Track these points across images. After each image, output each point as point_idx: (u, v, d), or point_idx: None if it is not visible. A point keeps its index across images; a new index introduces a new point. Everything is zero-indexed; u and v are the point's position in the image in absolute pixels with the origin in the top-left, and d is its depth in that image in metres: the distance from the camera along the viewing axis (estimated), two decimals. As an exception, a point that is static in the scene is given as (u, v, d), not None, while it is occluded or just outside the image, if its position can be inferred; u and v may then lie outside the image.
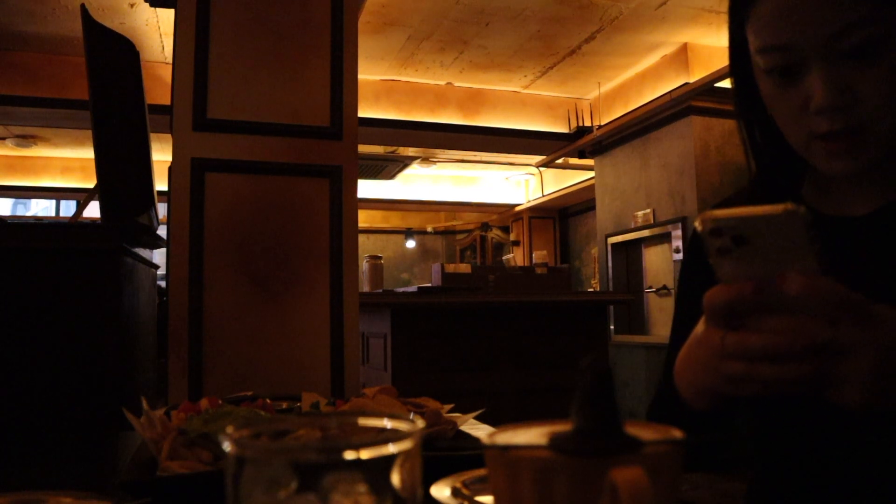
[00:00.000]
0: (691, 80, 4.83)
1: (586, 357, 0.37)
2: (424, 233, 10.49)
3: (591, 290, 7.56)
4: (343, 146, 2.10)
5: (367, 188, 7.79)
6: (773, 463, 0.78)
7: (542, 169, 7.78)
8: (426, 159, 7.24)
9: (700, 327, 0.59)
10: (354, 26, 2.17)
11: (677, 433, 0.36)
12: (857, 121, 0.65)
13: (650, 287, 5.49)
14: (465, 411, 0.92)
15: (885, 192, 0.72)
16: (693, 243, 0.88)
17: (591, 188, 6.51)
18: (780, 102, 0.70)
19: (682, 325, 0.87)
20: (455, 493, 0.51)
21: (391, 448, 0.31)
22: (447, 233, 10.78)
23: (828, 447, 0.71)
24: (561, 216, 9.27)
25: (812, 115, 0.67)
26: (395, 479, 0.31)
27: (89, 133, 1.72)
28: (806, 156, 0.71)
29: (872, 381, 0.50)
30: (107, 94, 1.68)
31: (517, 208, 9.08)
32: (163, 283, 2.52)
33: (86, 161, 7.09)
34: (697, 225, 0.51)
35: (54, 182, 7.28)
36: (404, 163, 7.11)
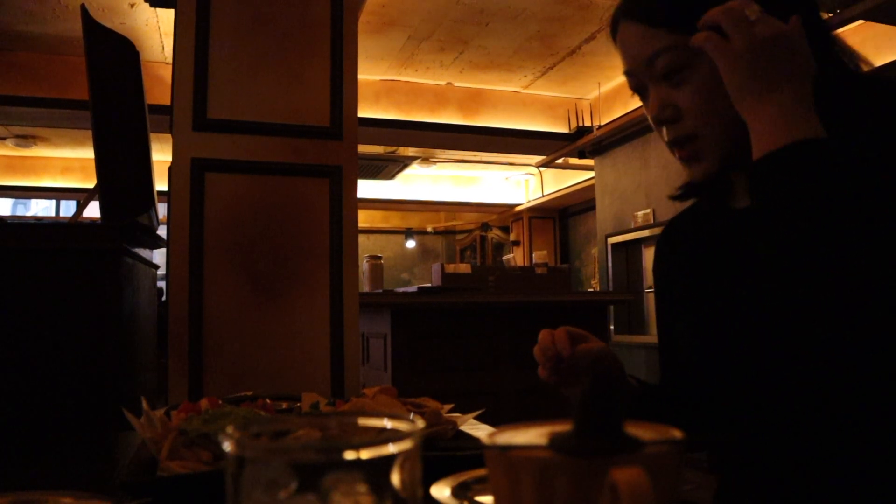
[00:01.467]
0: (691, 80, 4.82)
1: (586, 357, 0.37)
2: (424, 233, 10.49)
3: (591, 290, 7.56)
4: (343, 146, 2.10)
5: (367, 188, 7.80)
6: (742, 461, 0.80)
7: (542, 169, 7.78)
8: (426, 159, 7.24)
9: None
10: (354, 26, 2.17)
11: (677, 433, 0.36)
12: (686, 130, 0.79)
13: (650, 287, 5.49)
14: (465, 411, 0.92)
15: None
16: (661, 242, 1.00)
17: (591, 188, 6.51)
18: (649, 118, 0.85)
19: (663, 322, 0.94)
20: (455, 493, 0.51)
21: (391, 448, 0.31)
22: (447, 233, 10.79)
23: (792, 445, 0.74)
24: (561, 216, 9.27)
25: (657, 126, 0.82)
26: (395, 479, 0.31)
27: (89, 133, 1.72)
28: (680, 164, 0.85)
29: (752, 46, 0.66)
30: (107, 94, 1.68)
31: (517, 208, 9.08)
32: (163, 284, 2.52)
33: (86, 161, 7.09)
34: None
35: (54, 182, 7.28)
36: (404, 163, 7.11)
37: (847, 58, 0.81)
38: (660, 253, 1.01)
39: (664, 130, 0.81)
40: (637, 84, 0.83)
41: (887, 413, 0.67)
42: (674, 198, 0.93)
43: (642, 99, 0.84)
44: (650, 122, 0.84)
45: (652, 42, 0.77)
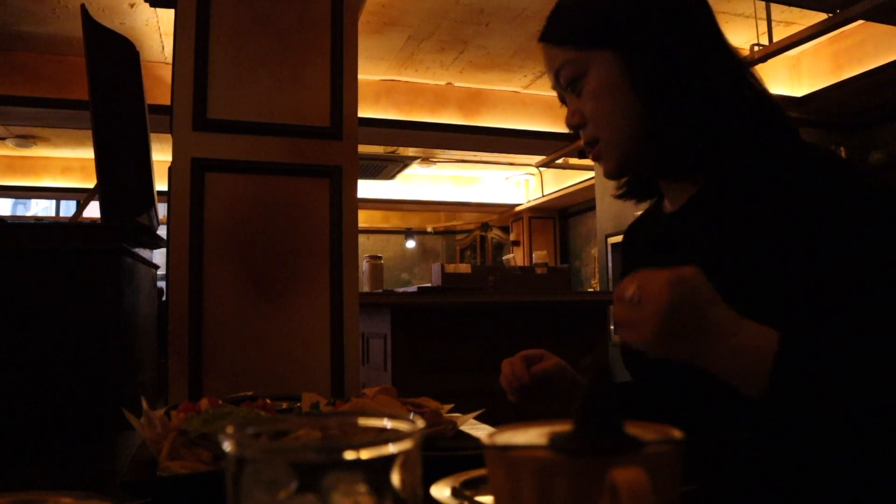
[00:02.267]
0: (691, 80, 4.82)
1: (586, 357, 0.37)
2: (424, 233, 10.48)
3: (592, 290, 7.56)
4: (343, 146, 2.10)
5: (367, 188, 7.79)
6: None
7: (542, 169, 7.78)
8: (426, 159, 7.23)
9: None
10: (354, 26, 2.17)
11: (677, 433, 0.36)
12: (589, 136, 0.89)
13: (650, 287, 5.49)
14: (465, 411, 0.92)
15: (687, 190, 0.89)
16: (622, 245, 1.09)
17: (591, 188, 6.51)
18: None
19: None
20: (455, 493, 0.51)
21: (391, 448, 0.31)
22: (447, 233, 10.78)
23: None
24: (561, 216, 9.27)
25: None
26: (395, 479, 0.31)
27: (89, 133, 1.72)
28: None
29: (657, 328, 0.63)
30: (107, 94, 1.68)
31: (517, 208, 9.07)
32: (163, 284, 2.52)
33: (86, 161, 7.08)
34: None
35: (54, 182, 7.28)
36: (404, 163, 7.11)
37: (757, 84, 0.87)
38: (623, 252, 1.10)
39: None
40: (560, 97, 0.94)
41: (880, 413, 0.67)
42: (615, 196, 1.02)
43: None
44: None
45: (555, 59, 0.89)
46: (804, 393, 0.65)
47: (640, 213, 1.11)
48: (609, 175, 0.92)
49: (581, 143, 0.92)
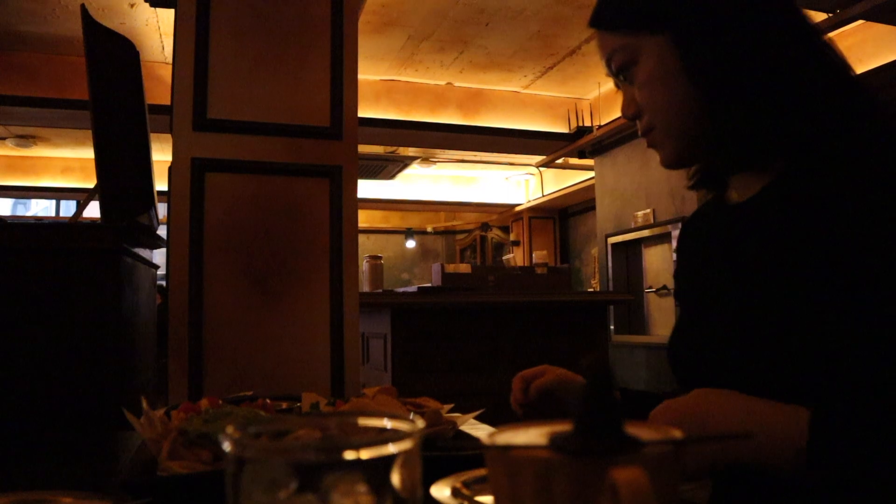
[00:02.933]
0: (691, 80, 4.82)
1: (586, 357, 0.37)
2: (424, 233, 10.48)
3: (591, 290, 7.56)
4: (343, 146, 2.10)
5: (367, 188, 7.79)
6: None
7: (542, 169, 7.78)
8: (426, 159, 7.23)
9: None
10: (354, 26, 2.17)
11: (677, 433, 0.36)
12: (645, 125, 0.85)
13: (650, 287, 5.49)
14: (465, 411, 0.92)
15: (760, 179, 0.82)
16: (681, 235, 1.01)
17: (591, 188, 6.51)
18: None
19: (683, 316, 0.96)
20: (455, 493, 0.51)
21: (391, 448, 0.31)
22: (447, 233, 10.78)
23: None
24: (561, 216, 9.27)
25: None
26: (395, 479, 0.31)
27: (89, 133, 1.72)
28: None
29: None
30: (107, 94, 1.68)
31: (517, 208, 9.07)
32: (163, 283, 2.52)
33: (86, 161, 7.08)
34: None
35: (54, 182, 7.28)
36: (404, 163, 7.11)
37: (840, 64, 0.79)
38: (679, 247, 1.02)
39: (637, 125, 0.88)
40: (616, 84, 0.90)
41: (885, 415, 0.67)
42: (689, 188, 0.97)
43: None
44: None
45: (606, 45, 0.85)
46: (846, 459, 0.61)
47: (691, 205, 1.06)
48: (667, 165, 0.86)
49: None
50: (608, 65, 0.86)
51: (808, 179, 0.74)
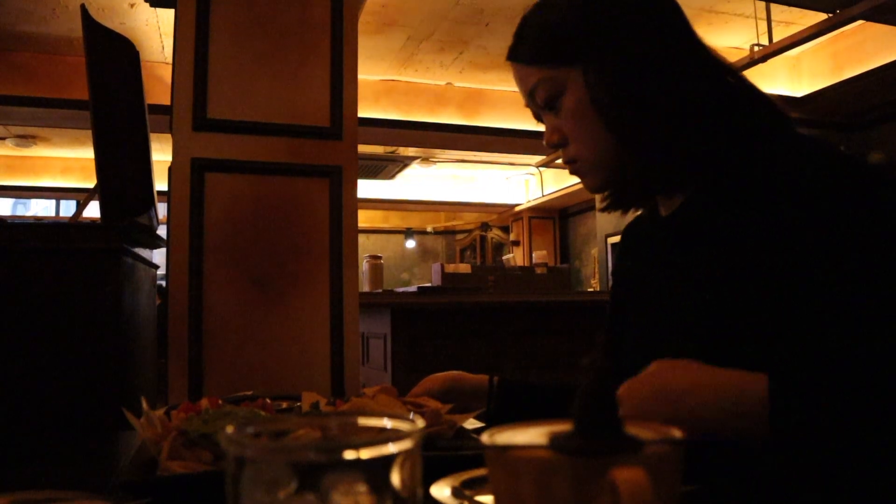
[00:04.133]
0: (691, 80, 4.83)
1: (586, 357, 0.37)
2: (424, 233, 10.48)
3: (591, 289, 7.56)
4: (343, 146, 2.10)
5: (367, 188, 7.79)
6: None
7: (542, 169, 7.78)
8: (426, 159, 7.23)
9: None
10: (354, 26, 2.17)
11: (677, 433, 0.36)
12: (570, 154, 0.87)
13: (650, 287, 5.49)
14: (465, 411, 0.92)
15: (682, 193, 0.86)
16: (619, 246, 1.05)
17: (591, 188, 6.49)
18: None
19: (609, 324, 1.01)
20: (455, 493, 0.51)
21: (391, 448, 0.31)
22: (447, 233, 10.78)
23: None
24: (561, 216, 9.27)
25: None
26: (395, 478, 0.31)
27: (89, 133, 1.72)
28: None
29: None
30: (107, 94, 1.68)
31: (517, 208, 9.07)
32: (163, 283, 2.52)
33: (86, 161, 7.08)
34: None
35: (54, 182, 7.28)
36: (404, 163, 7.11)
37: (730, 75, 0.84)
38: (617, 256, 1.07)
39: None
40: (535, 114, 0.91)
41: (841, 382, 0.67)
42: (600, 210, 0.98)
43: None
44: None
45: (529, 78, 0.86)
46: (808, 422, 0.63)
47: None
48: (592, 191, 0.90)
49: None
50: (530, 96, 0.87)
51: (720, 193, 0.79)
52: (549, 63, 0.84)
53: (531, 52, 0.86)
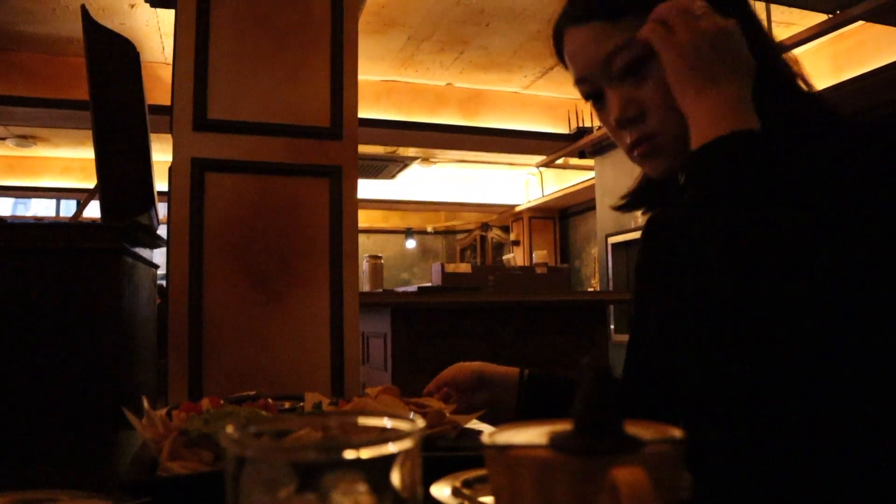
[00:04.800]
0: (691, 80, 4.83)
1: (586, 357, 0.37)
2: (424, 233, 10.49)
3: (592, 289, 7.56)
4: (343, 146, 2.10)
5: (367, 188, 7.80)
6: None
7: (542, 169, 7.78)
8: (426, 159, 7.24)
9: None
10: (354, 26, 2.17)
11: (677, 433, 0.36)
12: (648, 130, 0.79)
13: (650, 287, 5.49)
14: (467, 411, 0.92)
15: None
16: (642, 237, 1.00)
17: (591, 188, 6.51)
18: (604, 124, 0.85)
19: (635, 318, 0.97)
20: (455, 492, 0.51)
21: (391, 448, 0.31)
22: (447, 233, 10.78)
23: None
24: (561, 216, 9.27)
25: (619, 130, 0.82)
26: (395, 478, 0.31)
27: (89, 133, 1.72)
28: (634, 162, 0.86)
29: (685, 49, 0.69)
30: (107, 94, 1.68)
31: (517, 208, 9.07)
32: (163, 283, 2.52)
33: (86, 161, 7.09)
34: None
35: (54, 182, 7.28)
36: (404, 163, 7.11)
37: (797, 76, 0.80)
38: (641, 249, 1.01)
39: (624, 134, 0.81)
40: (591, 90, 0.82)
41: (860, 410, 0.67)
42: (616, 208, 0.96)
43: (597, 107, 0.84)
44: (609, 128, 0.84)
45: (609, 40, 0.77)
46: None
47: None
48: (666, 172, 0.81)
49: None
50: (606, 63, 0.78)
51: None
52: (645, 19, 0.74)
53: (627, 4, 0.76)
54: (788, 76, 0.80)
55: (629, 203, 0.95)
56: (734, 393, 0.73)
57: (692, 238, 0.75)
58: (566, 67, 0.87)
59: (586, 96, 0.84)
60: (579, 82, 0.83)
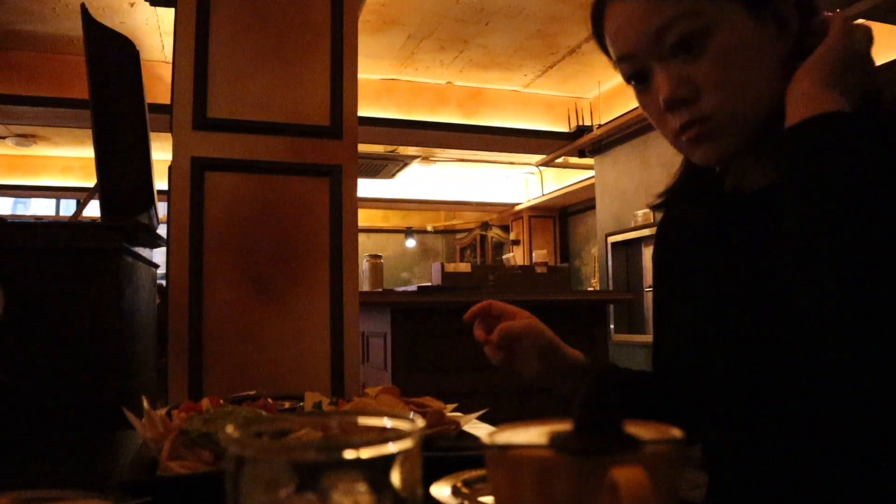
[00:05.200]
0: (691, 79, 4.83)
1: (588, 356, 0.37)
2: (424, 232, 10.49)
3: (591, 289, 7.56)
4: (343, 145, 2.10)
5: (367, 187, 7.79)
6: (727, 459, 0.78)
7: (542, 168, 7.78)
8: (426, 158, 7.23)
9: None
10: (354, 25, 2.17)
11: (677, 433, 0.36)
12: (701, 112, 0.71)
13: (650, 286, 5.49)
14: (464, 411, 0.92)
15: (772, 171, 0.76)
16: (660, 229, 0.96)
17: (591, 187, 6.51)
18: (646, 108, 0.79)
19: (660, 312, 0.93)
20: (455, 492, 0.51)
21: (391, 447, 0.31)
22: (447, 232, 10.78)
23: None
24: (561, 215, 9.27)
25: (666, 113, 0.74)
26: (395, 478, 0.31)
27: (89, 132, 1.72)
28: (679, 151, 0.79)
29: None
30: (107, 93, 1.68)
31: (517, 207, 9.07)
32: (163, 283, 2.52)
33: (86, 160, 7.09)
34: None
35: (54, 181, 7.28)
36: (404, 162, 7.11)
37: None
38: (659, 240, 0.96)
39: (673, 117, 0.74)
40: (636, 69, 0.75)
41: (885, 413, 0.67)
42: (653, 206, 0.91)
43: (638, 88, 0.77)
44: (651, 111, 0.78)
45: (661, 12, 0.71)
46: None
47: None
48: (717, 159, 0.75)
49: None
50: (658, 37, 0.71)
51: None
52: None
53: None
54: None
55: (668, 200, 0.89)
56: (793, 397, 0.70)
57: (755, 233, 0.74)
58: (601, 46, 0.81)
59: (628, 77, 0.77)
60: (622, 60, 0.77)
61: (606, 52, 0.81)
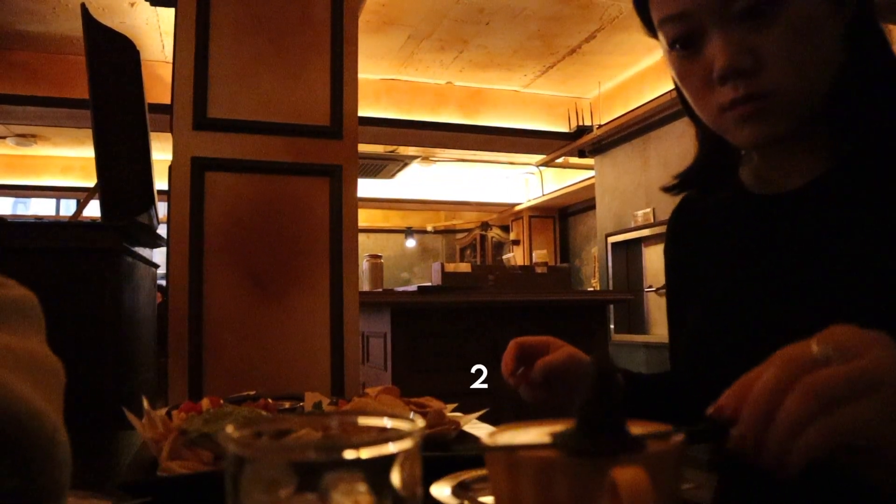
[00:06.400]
0: (691, 80, 4.83)
1: (590, 356, 0.37)
2: (424, 232, 10.49)
3: (592, 289, 7.56)
4: (343, 145, 2.10)
5: (367, 187, 7.79)
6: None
7: (542, 168, 7.78)
8: (426, 158, 7.24)
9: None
10: (354, 25, 2.17)
11: (678, 433, 0.36)
12: (761, 87, 0.65)
13: (650, 286, 5.49)
14: (464, 411, 0.92)
15: (813, 166, 0.72)
16: (673, 224, 0.91)
17: (591, 187, 6.51)
18: (687, 80, 0.71)
19: (674, 307, 0.89)
20: (455, 492, 0.51)
21: (391, 447, 0.31)
22: (447, 232, 10.78)
23: None
24: (561, 215, 9.27)
25: (717, 86, 0.67)
26: (395, 478, 0.31)
27: (89, 132, 1.72)
28: (718, 131, 0.72)
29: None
30: (107, 93, 1.68)
31: (517, 207, 9.07)
32: (163, 283, 2.52)
33: (86, 160, 7.08)
34: None
35: (54, 181, 7.28)
36: (404, 162, 7.11)
37: None
38: (672, 235, 0.92)
39: (723, 90, 0.67)
40: (688, 30, 0.68)
41: None
42: (667, 189, 0.85)
43: (683, 54, 0.70)
44: (695, 82, 0.71)
45: None
46: None
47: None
48: (754, 142, 0.69)
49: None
50: (725, 2, 0.65)
51: (873, 167, 0.67)
52: None
53: None
54: None
55: (683, 182, 0.83)
56: None
57: (776, 234, 0.69)
58: (637, 6, 0.75)
59: (674, 39, 0.69)
60: (671, 20, 0.69)
61: (642, 14, 0.75)
